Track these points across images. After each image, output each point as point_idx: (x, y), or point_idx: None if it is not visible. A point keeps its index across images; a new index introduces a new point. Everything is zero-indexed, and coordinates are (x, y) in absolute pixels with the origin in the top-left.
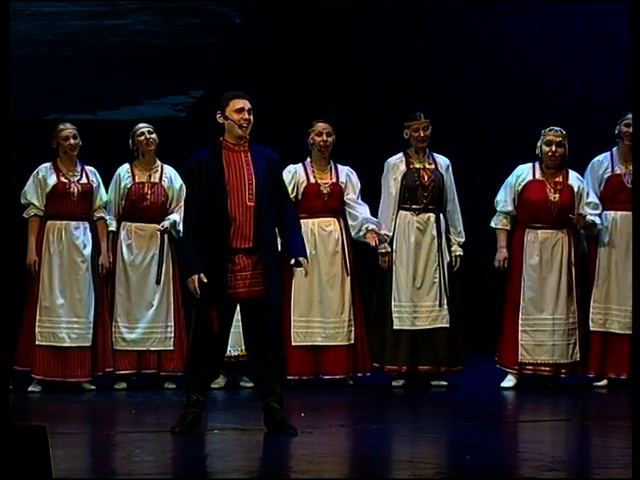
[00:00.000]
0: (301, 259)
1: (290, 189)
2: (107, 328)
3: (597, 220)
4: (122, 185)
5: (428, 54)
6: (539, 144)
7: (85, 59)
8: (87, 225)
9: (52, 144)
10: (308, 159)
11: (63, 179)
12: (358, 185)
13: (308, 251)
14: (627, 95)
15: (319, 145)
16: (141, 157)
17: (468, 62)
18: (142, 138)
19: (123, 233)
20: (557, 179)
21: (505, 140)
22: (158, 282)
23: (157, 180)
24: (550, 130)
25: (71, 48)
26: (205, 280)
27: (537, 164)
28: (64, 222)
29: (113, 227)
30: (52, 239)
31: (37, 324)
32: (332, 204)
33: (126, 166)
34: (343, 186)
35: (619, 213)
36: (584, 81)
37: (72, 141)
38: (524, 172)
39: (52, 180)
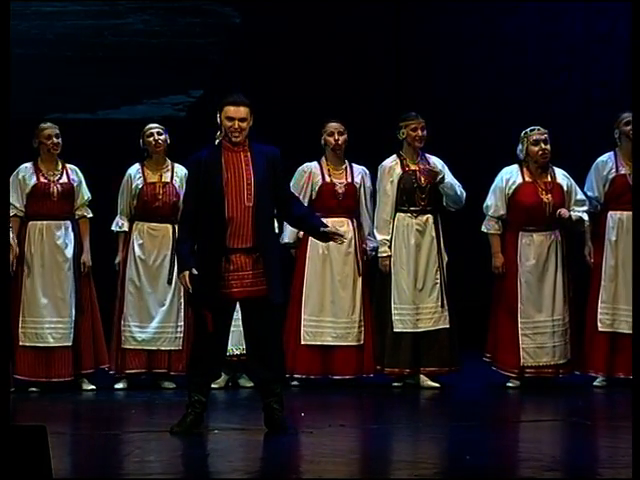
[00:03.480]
0: (329, 228)
1: (305, 188)
2: (97, 326)
3: (585, 217)
4: (133, 185)
5: (428, 54)
6: (522, 147)
7: (85, 59)
8: (69, 224)
9: (33, 143)
10: (323, 158)
11: (43, 179)
12: (370, 188)
13: (321, 251)
14: (627, 95)
15: (332, 145)
16: (150, 158)
17: (468, 62)
18: (151, 139)
19: (135, 233)
20: (546, 179)
21: (504, 140)
22: (170, 282)
23: (168, 180)
24: (532, 130)
25: (71, 48)
26: (195, 272)
27: (523, 166)
28: (45, 222)
29: (125, 228)
30: (33, 240)
31: (20, 325)
32: (346, 204)
33: (136, 166)
34: (357, 186)
35: (625, 213)
36: (584, 81)
37: (55, 140)
38: (512, 175)
39: (32, 180)
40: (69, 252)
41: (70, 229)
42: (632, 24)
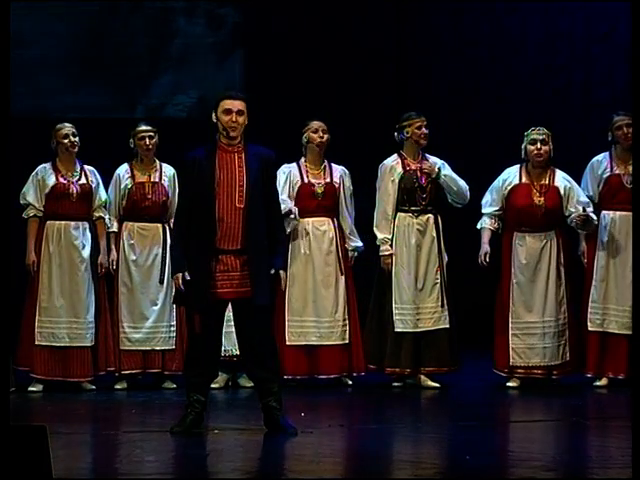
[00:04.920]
0: (281, 273)
1: (285, 189)
2: (108, 327)
3: (593, 216)
4: (122, 186)
5: (428, 54)
6: (523, 145)
7: (85, 59)
8: (86, 225)
9: (51, 144)
10: (302, 159)
11: (62, 180)
12: (350, 188)
13: (302, 251)
14: (627, 95)
15: (315, 142)
16: (140, 159)
17: (468, 62)
18: (142, 143)
19: (125, 233)
20: (543, 181)
21: (504, 140)
22: (161, 281)
23: (157, 179)
24: (533, 129)
25: (72, 48)
26: (188, 278)
27: (523, 166)
28: (63, 222)
29: (114, 228)
30: (51, 239)
31: (36, 324)
32: (326, 204)
33: (125, 166)
34: (337, 186)
35: (618, 213)
36: (584, 81)
37: (72, 139)
38: (510, 176)
39: (51, 181)
40: (86, 252)
41: (87, 230)
42: (632, 24)
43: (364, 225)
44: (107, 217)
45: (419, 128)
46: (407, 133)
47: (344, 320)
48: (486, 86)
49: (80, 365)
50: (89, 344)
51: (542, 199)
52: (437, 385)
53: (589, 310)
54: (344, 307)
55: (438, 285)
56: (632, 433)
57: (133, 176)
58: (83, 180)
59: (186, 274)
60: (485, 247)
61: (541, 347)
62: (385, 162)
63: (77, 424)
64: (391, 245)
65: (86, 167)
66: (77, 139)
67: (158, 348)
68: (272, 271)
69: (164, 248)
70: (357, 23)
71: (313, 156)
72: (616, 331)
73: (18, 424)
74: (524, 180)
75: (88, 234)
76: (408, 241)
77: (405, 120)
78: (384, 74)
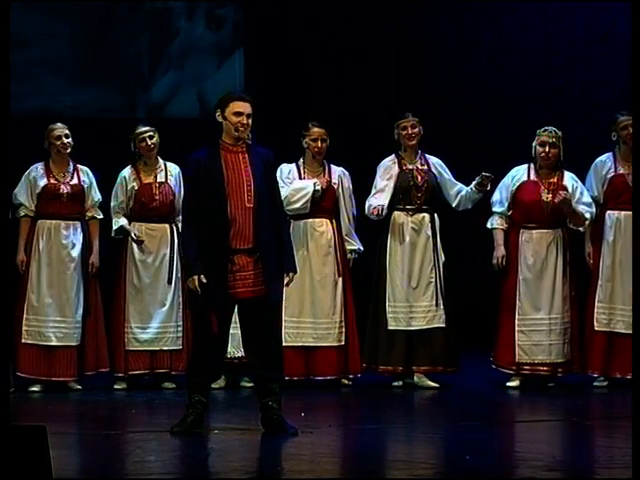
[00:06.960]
0: (290, 275)
1: (286, 182)
2: (101, 328)
3: (587, 215)
4: (129, 188)
5: (428, 54)
6: (533, 144)
7: (85, 59)
8: (78, 225)
9: (44, 144)
10: (301, 160)
11: (53, 180)
12: (350, 188)
13: (300, 252)
14: (627, 95)
15: (313, 151)
16: (144, 161)
17: (468, 62)
18: (144, 144)
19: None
20: (551, 180)
21: (505, 140)
22: (170, 282)
23: (163, 179)
24: (544, 131)
25: (72, 48)
26: (205, 281)
27: (532, 165)
28: (54, 222)
29: (125, 222)
30: (41, 238)
31: (24, 322)
32: (324, 204)
33: (129, 168)
34: (335, 187)
35: (622, 213)
36: (584, 81)
37: (64, 140)
38: (519, 173)
39: (42, 181)
40: (75, 252)
41: (79, 229)
42: (632, 24)
43: (363, 227)
44: (115, 219)
45: (403, 129)
46: (396, 135)
47: (341, 322)
48: (486, 86)
49: (66, 365)
50: (76, 344)
51: (549, 196)
52: (436, 385)
53: (595, 310)
54: (341, 309)
55: (433, 284)
56: (632, 433)
57: (139, 178)
58: (75, 180)
59: (202, 277)
60: (501, 249)
61: (547, 344)
62: (382, 162)
63: (77, 424)
64: (384, 243)
65: (80, 167)
66: (70, 140)
67: (166, 348)
68: (286, 272)
69: (172, 248)
70: (357, 23)
71: (312, 160)
72: (623, 331)
73: (18, 424)
74: (532, 177)
75: (80, 234)
76: (402, 239)
77: (395, 121)
78: (384, 74)
